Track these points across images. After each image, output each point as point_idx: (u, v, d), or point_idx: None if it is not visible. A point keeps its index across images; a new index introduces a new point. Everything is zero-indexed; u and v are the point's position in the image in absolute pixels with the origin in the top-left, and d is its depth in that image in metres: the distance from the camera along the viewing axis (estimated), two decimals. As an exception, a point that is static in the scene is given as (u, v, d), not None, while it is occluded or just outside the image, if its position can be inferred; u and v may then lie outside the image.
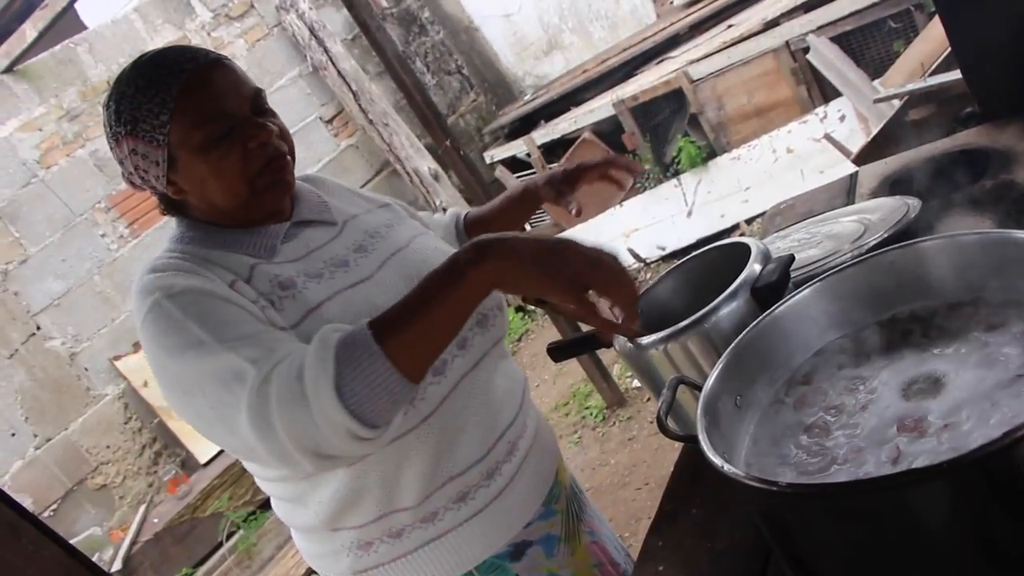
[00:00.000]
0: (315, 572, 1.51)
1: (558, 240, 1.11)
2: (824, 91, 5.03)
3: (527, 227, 6.59)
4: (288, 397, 1.07)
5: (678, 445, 1.08)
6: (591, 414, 4.51)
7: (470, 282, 1.09)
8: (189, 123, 1.23)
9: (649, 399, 4.28)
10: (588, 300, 1.12)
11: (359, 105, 6.08)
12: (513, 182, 6.57)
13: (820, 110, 5.00)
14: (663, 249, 5.68)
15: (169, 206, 1.36)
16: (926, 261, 1.06)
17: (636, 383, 4.45)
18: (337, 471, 1.29)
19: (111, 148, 1.30)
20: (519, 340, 5.93)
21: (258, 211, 1.32)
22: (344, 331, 1.11)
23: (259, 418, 1.09)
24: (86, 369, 5.04)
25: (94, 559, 4.55)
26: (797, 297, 1.12)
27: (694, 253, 1.48)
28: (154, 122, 1.23)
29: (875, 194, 1.78)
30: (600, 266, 1.11)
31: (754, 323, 1.11)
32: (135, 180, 1.32)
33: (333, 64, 6.03)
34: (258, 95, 1.31)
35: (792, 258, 1.25)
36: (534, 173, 6.43)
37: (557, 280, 1.08)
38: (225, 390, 1.11)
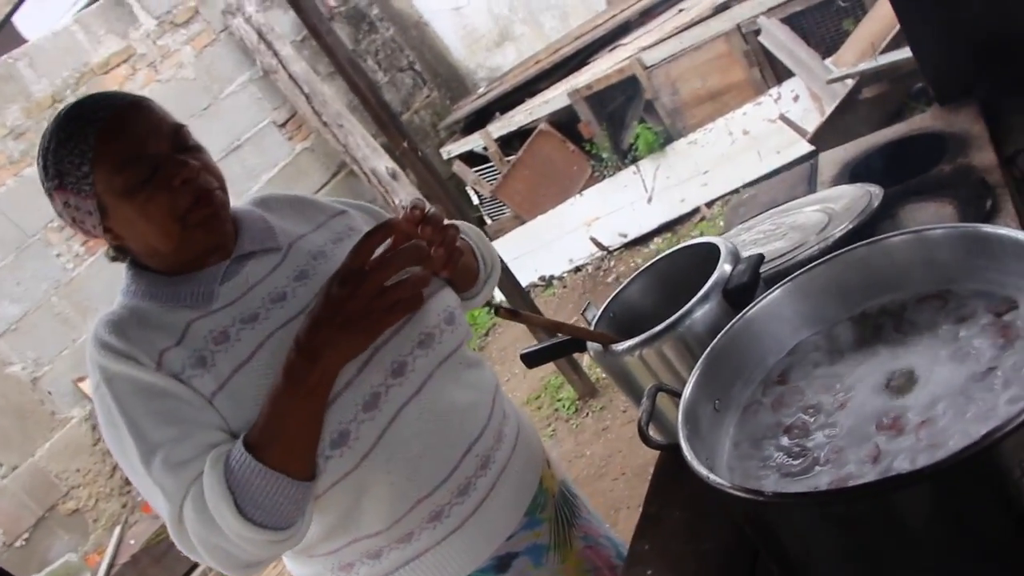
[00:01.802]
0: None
1: (335, 299, 1.13)
2: (777, 72, 5.08)
3: (487, 220, 6.58)
4: (203, 532, 1.17)
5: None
6: (563, 406, 4.52)
7: (314, 384, 1.17)
8: (110, 170, 1.24)
9: (621, 388, 4.30)
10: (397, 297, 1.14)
11: (312, 107, 6.01)
12: (471, 177, 6.55)
13: (774, 91, 5.04)
14: (625, 236, 5.70)
15: (118, 251, 1.36)
16: (895, 256, 1.07)
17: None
18: None
19: (51, 203, 1.31)
20: (486, 335, 5.92)
21: (193, 250, 1.31)
22: (227, 454, 1.18)
23: (186, 548, 1.22)
24: (49, 393, 4.94)
25: (71, 585, 4.49)
26: (769, 298, 1.13)
27: (663, 254, 1.48)
28: (77, 173, 1.24)
29: (836, 181, 1.80)
30: (369, 278, 1.13)
31: (727, 327, 1.11)
32: (80, 229, 1.33)
33: (284, 67, 5.95)
34: (178, 131, 1.30)
35: (762, 258, 1.25)
36: (492, 166, 6.41)
37: (371, 323, 1.14)
38: (150, 498, 1.23)
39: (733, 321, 1.12)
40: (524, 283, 5.18)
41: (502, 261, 4.15)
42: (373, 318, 1.14)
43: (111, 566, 4.59)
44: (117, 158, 1.23)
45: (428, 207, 1.28)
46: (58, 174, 1.25)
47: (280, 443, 1.17)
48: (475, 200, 6.73)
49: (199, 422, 1.22)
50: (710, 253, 1.34)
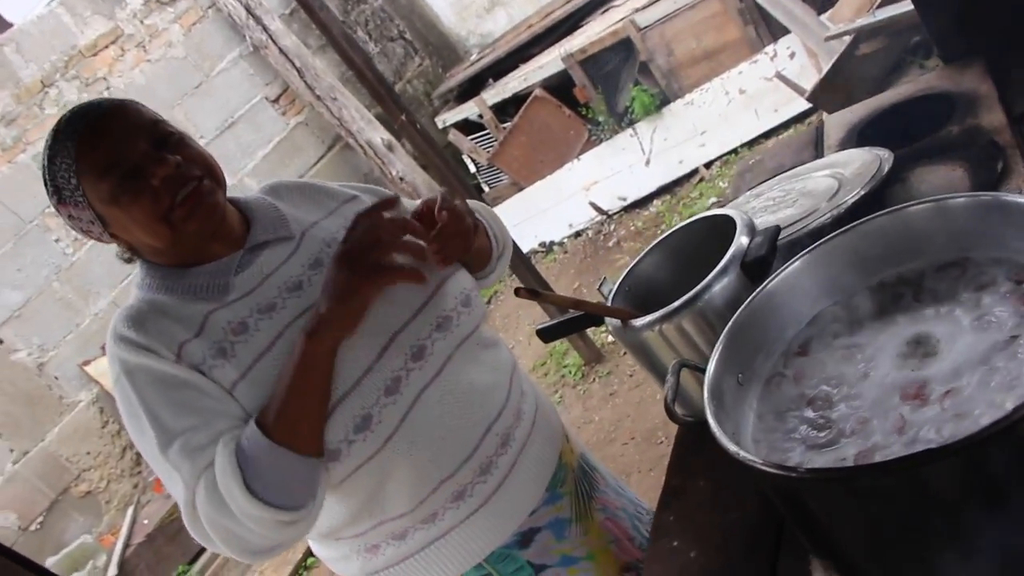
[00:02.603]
0: (313, 556, 1.54)
1: (336, 269, 1.22)
2: (772, 30, 5.03)
3: (485, 188, 6.56)
4: (213, 515, 1.18)
5: (660, 398, 1.11)
6: (570, 372, 4.53)
7: (313, 356, 1.21)
8: (93, 179, 1.25)
9: (626, 353, 4.31)
10: (391, 266, 1.22)
11: (305, 82, 5.96)
12: (467, 145, 6.52)
13: (769, 49, 5.00)
14: (624, 200, 5.69)
15: (131, 251, 1.37)
16: (913, 225, 1.08)
17: (612, 338, 4.47)
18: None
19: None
20: (488, 302, 5.93)
21: (191, 244, 1.31)
22: (241, 433, 1.21)
23: (199, 535, 1.23)
24: (56, 378, 4.95)
25: (88, 567, 4.54)
26: (788, 270, 1.13)
27: (677, 226, 1.48)
28: (69, 187, 1.26)
29: (843, 145, 1.79)
30: (366, 245, 1.20)
31: (748, 301, 1.12)
32: (92, 238, 1.35)
33: (274, 42, 5.89)
34: (156, 126, 1.29)
35: (778, 230, 1.26)
36: (488, 134, 6.38)
37: (364, 290, 1.21)
38: (170, 487, 1.25)
39: (753, 295, 1.12)
40: (525, 250, 5.18)
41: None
42: (366, 279, 1.20)
43: (126, 546, 4.63)
44: (97, 167, 1.24)
45: (440, 202, 1.33)
46: (56, 190, 1.27)
47: (285, 418, 1.20)
48: (472, 168, 6.70)
49: (218, 411, 1.24)
50: (725, 225, 1.34)
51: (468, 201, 1.51)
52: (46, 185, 1.28)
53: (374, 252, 1.20)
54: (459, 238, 1.34)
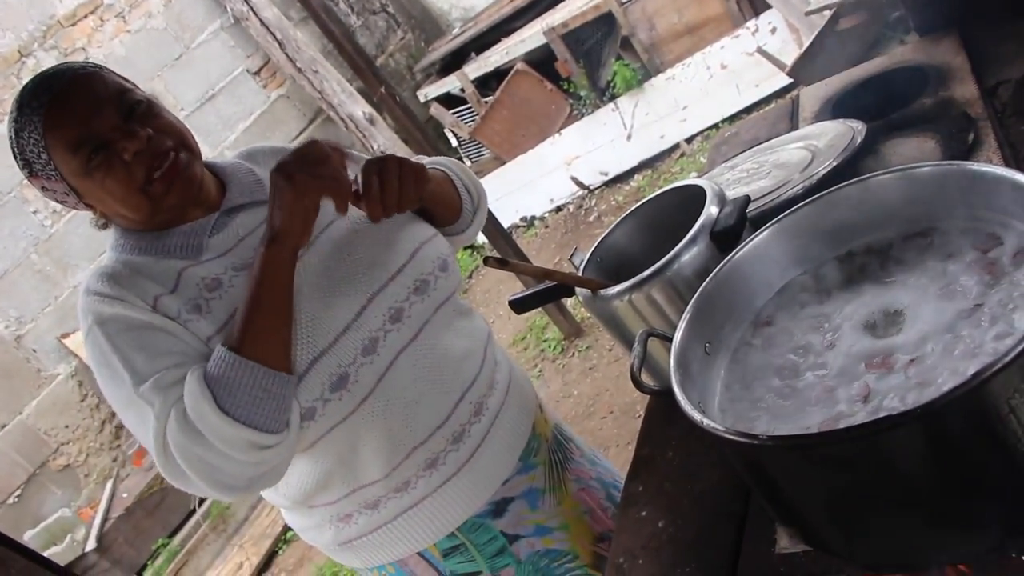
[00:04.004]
0: (291, 529, 1.53)
1: (276, 182, 1.22)
2: (754, 4, 5.02)
3: (467, 161, 6.53)
4: (185, 443, 1.16)
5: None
6: (549, 346, 4.54)
7: (272, 265, 1.21)
8: (63, 154, 1.23)
9: (606, 327, 4.31)
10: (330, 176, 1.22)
11: (286, 54, 5.88)
12: (449, 119, 6.48)
13: (751, 24, 4.99)
14: (605, 174, 5.68)
15: (106, 218, 1.35)
16: (880, 195, 1.08)
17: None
18: (296, 459, 1.31)
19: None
20: (470, 277, 5.92)
21: (168, 213, 1.31)
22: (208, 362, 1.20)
23: (172, 472, 1.19)
24: (34, 350, 4.91)
25: (67, 540, 4.53)
26: (756, 240, 1.13)
27: (648, 197, 1.48)
28: (40, 161, 1.24)
29: (818, 117, 1.80)
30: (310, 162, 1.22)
31: (716, 270, 1.12)
32: (67, 206, 1.34)
33: (255, 13, 5.80)
34: (123, 95, 1.27)
35: (748, 200, 1.26)
36: (470, 108, 6.34)
37: (309, 191, 1.21)
38: (142, 430, 1.21)
39: (721, 264, 1.12)
40: (506, 224, 5.17)
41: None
42: (312, 182, 1.22)
43: (105, 519, 4.63)
44: (66, 142, 1.22)
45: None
46: (26, 163, 1.26)
47: (250, 332, 1.19)
48: (454, 143, 6.66)
49: (191, 354, 1.23)
50: (696, 195, 1.34)
51: (436, 158, 1.52)
52: (16, 158, 1.26)
53: (308, 166, 1.21)
54: (404, 182, 1.30)
